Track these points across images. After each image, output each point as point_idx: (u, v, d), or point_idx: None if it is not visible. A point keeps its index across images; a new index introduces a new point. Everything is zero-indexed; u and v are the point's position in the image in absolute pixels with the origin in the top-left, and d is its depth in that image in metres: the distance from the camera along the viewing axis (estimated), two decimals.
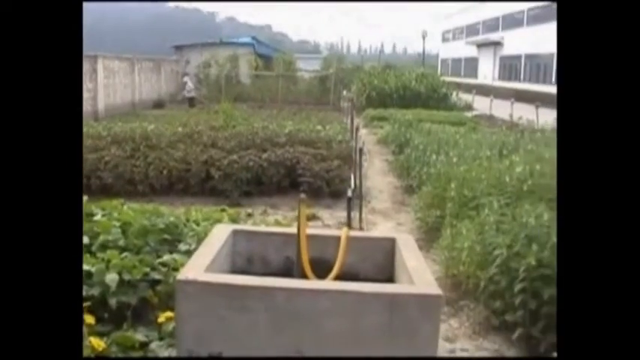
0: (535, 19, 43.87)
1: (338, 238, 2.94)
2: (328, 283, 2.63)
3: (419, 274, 2.50)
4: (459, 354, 4.36)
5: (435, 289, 2.35)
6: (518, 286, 4.26)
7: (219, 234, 3.04)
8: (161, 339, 3.41)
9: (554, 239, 4.36)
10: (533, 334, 4.24)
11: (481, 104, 26.22)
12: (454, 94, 28.75)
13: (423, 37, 58.82)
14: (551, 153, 7.90)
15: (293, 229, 2.87)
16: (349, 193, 5.37)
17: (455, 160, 7.80)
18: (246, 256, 3.11)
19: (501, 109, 21.95)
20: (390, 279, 2.95)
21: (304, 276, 2.74)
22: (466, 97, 29.51)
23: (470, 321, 4.82)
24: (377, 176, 10.86)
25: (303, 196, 2.81)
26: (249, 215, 7.91)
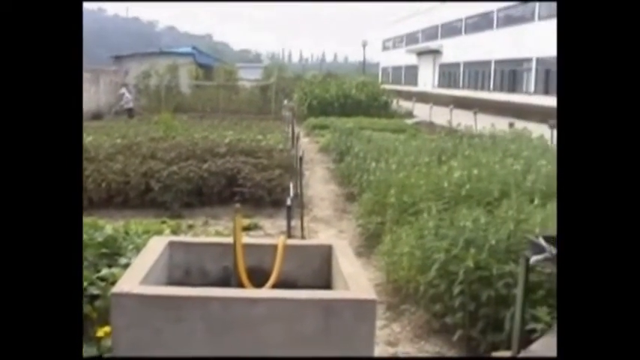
0: (474, 27, 44.93)
1: (276, 247, 2.95)
2: (264, 292, 2.64)
3: (354, 279, 2.53)
4: None
5: (369, 294, 2.38)
6: (456, 289, 4.36)
7: (156, 246, 3.01)
8: (100, 354, 3.35)
9: (492, 242, 4.48)
10: (472, 335, 4.34)
11: (421, 111, 26.69)
12: (394, 101, 29.15)
13: (364, 46, 59.51)
14: (487, 158, 8.11)
15: (230, 239, 2.86)
16: (288, 201, 5.39)
17: (394, 167, 7.91)
18: (183, 267, 3.09)
19: (441, 116, 22.38)
20: (327, 285, 2.97)
21: (241, 285, 2.74)
22: (407, 104, 29.99)
23: (411, 325, 4.89)
24: (319, 184, 10.92)
25: (238, 205, 2.82)
26: (191, 227, 7.86)
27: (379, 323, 4.96)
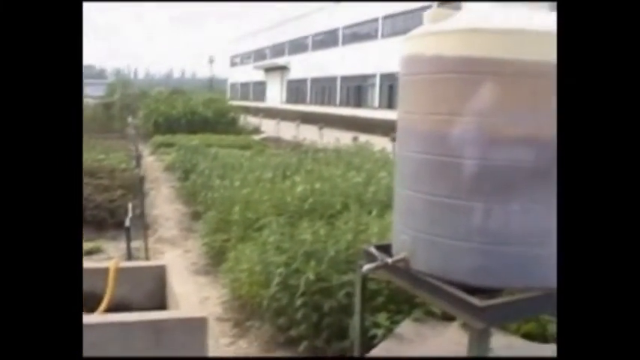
0: (320, 44, 46.20)
1: (108, 270, 2.89)
2: (93, 317, 2.58)
3: (185, 298, 2.54)
4: None
5: (199, 313, 2.41)
6: (298, 302, 4.46)
7: None
8: None
9: (332, 253, 4.64)
10: (318, 345, 4.45)
11: (269, 127, 26.97)
12: (242, 117, 29.22)
13: (211, 62, 59.27)
14: (331, 171, 8.36)
15: None
16: (127, 222, 5.25)
17: (238, 183, 7.94)
18: None
19: (288, 131, 22.77)
20: (162, 306, 2.96)
21: None
22: (255, 120, 30.18)
23: (258, 340, 4.93)
24: (164, 204, 10.72)
25: None
26: None
27: (226, 341, 4.97)
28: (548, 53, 2.56)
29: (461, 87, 2.64)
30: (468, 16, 2.89)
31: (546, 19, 2.76)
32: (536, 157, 2.60)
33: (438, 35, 2.76)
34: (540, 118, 2.58)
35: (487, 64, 2.58)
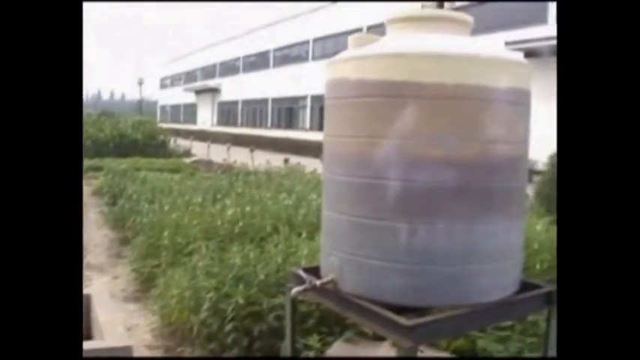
0: (251, 66, 46.24)
1: None
2: None
3: (109, 328, 2.49)
4: None
5: (123, 342, 2.37)
6: (229, 326, 4.42)
7: None
8: None
9: (261, 276, 4.62)
10: None
11: (200, 150, 26.69)
12: (172, 140, 28.87)
13: (140, 84, 58.47)
14: (261, 194, 8.36)
15: None
16: None
17: (167, 207, 7.84)
18: None
19: (219, 154, 22.59)
20: (86, 336, 2.88)
21: None
22: (186, 143, 29.85)
23: None
24: (92, 229, 10.45)
25: None
26: None
27: None
28: (468, 76, 2.66)
29: (383, 110, 2.70)
30: (390, 40, 2.96)
31: (467, 43, 2.87)
32: (458, 177, 2.67)
33: (361, 59, 2.82)
34: (460, 139, 2.67)
35: (408, 88, 2.65)
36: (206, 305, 4.56)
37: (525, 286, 3.09)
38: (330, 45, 34.20)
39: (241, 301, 4.37)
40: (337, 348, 4.11)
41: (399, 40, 2.93)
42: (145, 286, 6.79)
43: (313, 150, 24.53)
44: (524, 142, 2.96)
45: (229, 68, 50.47)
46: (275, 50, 42.67)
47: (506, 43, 21.95)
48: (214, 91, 51.51)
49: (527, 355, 4.08)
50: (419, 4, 5.12)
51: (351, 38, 2.98)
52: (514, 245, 2.98)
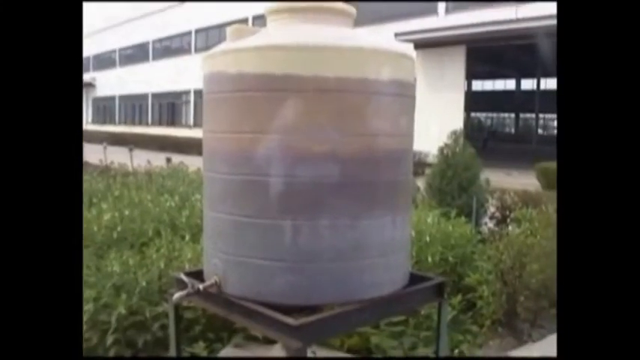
0: (129, 59, 45.08)
1: None
2: None
3: None
4: None
5: None
6: (110, 339, 4.32)
7: None
8: None
9: (143, 284, 4.54)
10: None
11: None
12: None
13: None
14: (142, 196, 8.17)
15: None
16: None
17: None
18: None
19: (95, 154, 21.87)
20: None
21: None
22: None
23: None
24: None
25: None
26: None
27: None
28: (349, 69, 2.73)
29: (264, 105, 2.73)
30: (270, 32, 2.99)
31: (349, 35, 2.94)
32: (341, 172, 2.74)
33: (240, 52, 2.83)
34: (342, 134, 2.74)
35: (289, 81, 2.69)
36: (85, 318, 4.43)
37: (415, 279, 3.21)
38: (215, 36, 33.89)
39: (123, 311, 4.28)
40: (226, 354, 4.12)
41: (278, 32, 2.97)
42: None
43: (197, 148, 24.00)
44: (408, 134, 3.07)
45: (105, 61, 49.01)
46: (154, 42, 41.81)
47: (397, 35, 22.66)
48: (88, 85, 49.85)
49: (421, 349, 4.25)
50: None
51: (229, 30, 2.98)
52: (402, 239, 3.09)
